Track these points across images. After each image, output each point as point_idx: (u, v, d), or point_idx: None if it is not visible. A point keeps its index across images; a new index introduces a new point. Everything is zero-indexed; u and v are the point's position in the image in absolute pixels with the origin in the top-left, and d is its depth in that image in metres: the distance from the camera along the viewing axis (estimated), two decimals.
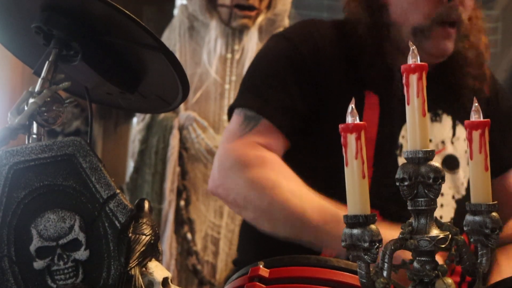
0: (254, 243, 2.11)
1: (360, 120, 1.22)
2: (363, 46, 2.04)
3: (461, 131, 2.09)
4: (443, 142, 2.08)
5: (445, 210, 2.05)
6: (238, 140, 2.03)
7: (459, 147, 2.09)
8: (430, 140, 2.06)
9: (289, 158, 2.02)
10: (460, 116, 2.10)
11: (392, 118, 2.01)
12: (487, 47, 2.15)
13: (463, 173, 2.07)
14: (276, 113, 2.02)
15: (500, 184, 2.14)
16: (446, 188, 2.05)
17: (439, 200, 1.26)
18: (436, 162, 1.23)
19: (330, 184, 1.90)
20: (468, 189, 2.04)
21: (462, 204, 2.02)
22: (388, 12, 2.06)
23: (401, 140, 2.02)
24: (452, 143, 2.08)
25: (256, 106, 2.03)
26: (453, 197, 2.05)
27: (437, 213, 1.24)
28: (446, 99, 2.10)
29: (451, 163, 2.07)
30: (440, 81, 2.08)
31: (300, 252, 1.68)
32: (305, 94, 2.02)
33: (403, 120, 2.02)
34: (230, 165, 2.00)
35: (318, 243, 1.92)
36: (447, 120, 2.09)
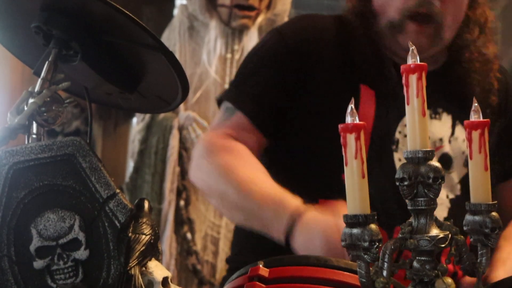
0: (249, 240, 2.09)
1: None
2: (355, 37, 2.03)
3: (460, 131, 2.08)
4: (441, 140, 2.07)
5: (438, 209, 2.03)
6: (212, 131, 2.09)
7: (456, 147, 2.07)
8: (428, 137, 2.05)
9: (274, 157, 2.03)
10: (460, 116, 2.09)
11: (388, 113, 2.00)
12: (496, 57, 2.13)
13: (457, 174, 2.06)
14: (251, 106, 2.02)
15: (508, 188, 2.14)
16: None
17: None
18: (435, 162, 1.23)
19: (326, 184, 1.90)
20: (462, 190, 2.04)
21: (456, 204, 2.02)
22: (372, 1, 2.06)
23: (397, 135, 2.01)
24: (450, 142, 2.07)
25: (232, 98, 2.04)
26: (447, 196, 2.05)
27: None
28: (447, 99, 2.09)
29: (446, 162, 2.06)
30: (443, 81, 2.07)
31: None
32: (291, 88, 2.02)
33: (399, 115, 2.03)
34: (199, 154, 2.04)
35: (264, 230, 1.91)
36: (447, 119, 2.09)
